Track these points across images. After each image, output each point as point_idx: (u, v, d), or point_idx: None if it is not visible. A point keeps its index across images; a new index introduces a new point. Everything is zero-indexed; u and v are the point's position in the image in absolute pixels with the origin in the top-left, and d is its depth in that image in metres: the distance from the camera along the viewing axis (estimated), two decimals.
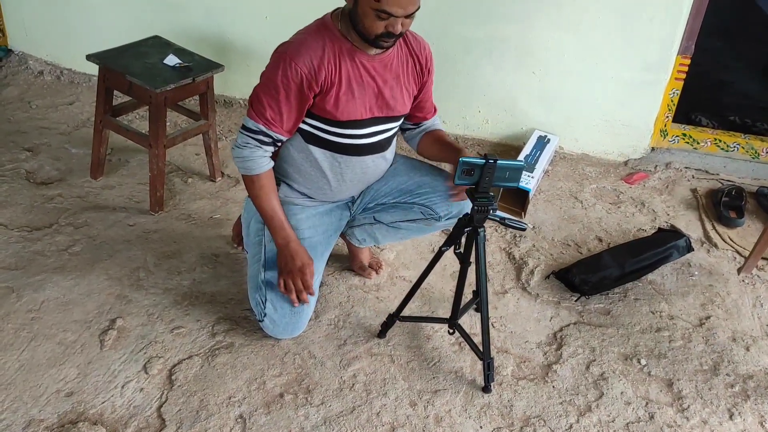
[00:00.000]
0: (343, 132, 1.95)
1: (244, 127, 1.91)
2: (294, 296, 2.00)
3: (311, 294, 2.01)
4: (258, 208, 1.99)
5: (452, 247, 1.96)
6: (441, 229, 2.25)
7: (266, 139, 1.90)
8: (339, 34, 1.85)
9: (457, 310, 2.07)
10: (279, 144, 1.94)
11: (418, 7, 1.76)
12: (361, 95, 1.91)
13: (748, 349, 2.27)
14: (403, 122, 2.12)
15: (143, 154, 2.88)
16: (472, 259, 1.95)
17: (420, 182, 2.13)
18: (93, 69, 2.67)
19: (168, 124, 2.65)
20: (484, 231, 1.90)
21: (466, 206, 2.13)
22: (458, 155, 1.84)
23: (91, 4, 3.34)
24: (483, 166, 1.75)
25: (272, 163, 1.95)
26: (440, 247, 1.98)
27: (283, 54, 1.83)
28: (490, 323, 2.15)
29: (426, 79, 2.05)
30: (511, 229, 1.96)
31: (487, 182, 1.78)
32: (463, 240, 1.94)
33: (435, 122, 2.17)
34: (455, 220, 2.16)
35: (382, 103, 1.96)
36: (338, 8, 1.90)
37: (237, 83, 3.35)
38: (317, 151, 1.98)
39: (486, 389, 2.04)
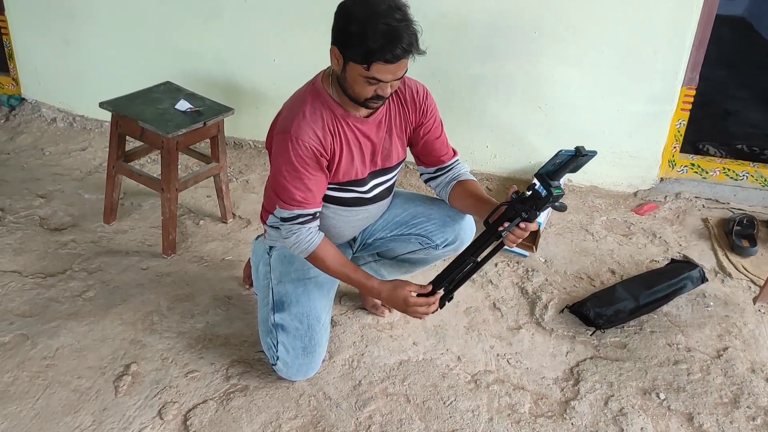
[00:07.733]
0: (345, 189, 1.97)
1: (282, 219, 1.90)
2: (426, 314, 1.97)
3: (435, 305, 1.95)
4: (336, 278, 2.00)
5: (487, 219, 1.86)
6: (441, 258, 2.25)
7: (306, 218, 1.89)
8: (331, 99, 1.85)
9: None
10: (319, 214, 1.93)
11: (407, 70, 1.75)
12: (359, 156, 1.93)
13: None
14: (421, 171, 2.12)
15: (155, 198, 2.91)
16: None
17: (414, 212, 2.15)
18: (105, 115, 2.72)
19: (179, 167, 2.68)
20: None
21: (463, 233, 2.13)
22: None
23: (102, 52, 3.41)
24: (574, 157, 1.69)
25: (322, 234, 1.93)
26: (490, 224, 1.86)
27: (287, 134, 1.82)
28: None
29: (423, 119, 2.00)
30: (554, 210, 1.88)
31: (566, 171, 1.73)
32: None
33: (461, 171, 2.09)
34: (453, 249, 2.15)
35: (377, 159, 1.98)
36: (328, 68, 1.88)
37: (247, 125, 3.39)
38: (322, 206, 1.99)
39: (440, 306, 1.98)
